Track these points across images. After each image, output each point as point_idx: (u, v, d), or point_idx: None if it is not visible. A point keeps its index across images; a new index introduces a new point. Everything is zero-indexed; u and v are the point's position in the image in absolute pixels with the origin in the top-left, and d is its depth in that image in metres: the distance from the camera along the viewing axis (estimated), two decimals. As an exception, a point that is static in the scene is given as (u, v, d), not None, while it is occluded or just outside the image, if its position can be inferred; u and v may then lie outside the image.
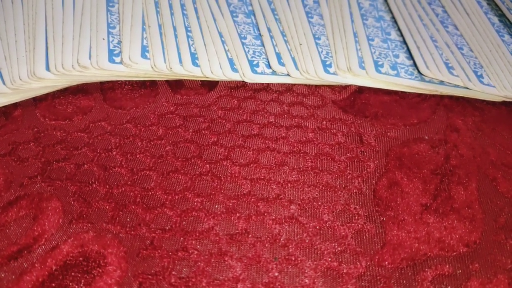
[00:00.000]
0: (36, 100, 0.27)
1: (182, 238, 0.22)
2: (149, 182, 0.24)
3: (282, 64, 0.29)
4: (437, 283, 0.21)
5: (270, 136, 0.27)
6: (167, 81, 0.29)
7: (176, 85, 0.29)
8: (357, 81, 0.29)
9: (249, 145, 0.26)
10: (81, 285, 0.20)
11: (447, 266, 0.22)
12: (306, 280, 0.21)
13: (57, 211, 0.23)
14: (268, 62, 0.29)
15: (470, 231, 0.23)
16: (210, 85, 0.29)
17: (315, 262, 0.22)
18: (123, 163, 0.25)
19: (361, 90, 0.29)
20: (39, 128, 0.26)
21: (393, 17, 0.33)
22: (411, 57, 0.30)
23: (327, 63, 0.29)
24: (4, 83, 0.26)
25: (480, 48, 0.31)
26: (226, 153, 0.26)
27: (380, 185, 0.25)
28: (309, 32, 0.31)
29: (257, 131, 0.27)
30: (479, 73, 0.29)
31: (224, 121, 0.27)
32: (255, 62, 0.29)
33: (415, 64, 0.29)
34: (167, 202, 0.23)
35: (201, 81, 0.29)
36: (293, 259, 0.22)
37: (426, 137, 0.27)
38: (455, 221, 0.23)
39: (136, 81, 0.29)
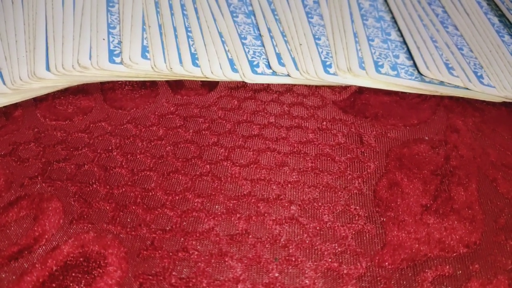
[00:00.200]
0: (37, 101, 0.27)
1: (182, 239, 0.22)
2: (149, 182, 0.24)
3: (282, 65, 0.29)
4: (437, 284, 0.21)
5: (270, 137, 0.27)
6: (167, 81, 0.29)
7: (176, 85, 0.29)
8: (357, 82, 0.29)
9: (250, 145, 0.26)
10: (82, 285, 0.20)
11: (447, 266, 0.22)
12: (307, 281, 0.21)
13: (57, 212, 0.23)
14: (268, 62, 0.29)
15: (470, 232, 0.23)
16: (210, 85, 0.29)
17: (315, 263, 0.22)
18: (123, 164, 0.25)
19: (361, 90, 0.29)
20: (39, 128, 0.26)
21: (393, 18, 0.33)
22: (411, 57, 0.30)
23: (327, 63, 0.29)
24: (4, 83, 0.26)
25: (480, 49, 0.31)
26: (226, 154, 0.26)
27: (380, 185, 0.25)
28: (309, 32, 0.31)
29: (257, 132, 0.27)
30: (479, 74, 0.29)
31: (224, 121, 0.27)
32: (255, 63, 0.29)
33: (415, 65, 0.29)
34: (167, 203, 0.23)
35: (201, 81, 0.29)
36: (294, 259, 0.22)
37: (426, 138, 0.27)
38: (455, 222, 0.23)
39: (136, 81, 0.29)
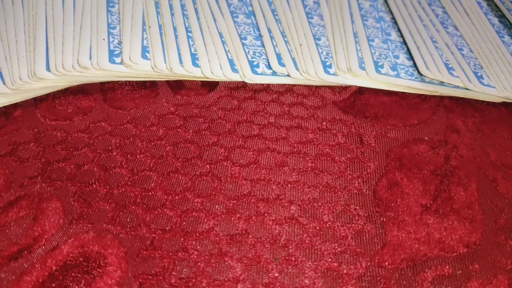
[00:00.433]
0: (37, 101, 0.27)
1: (182, 239, 0.22)
2: (149, 182, 0.24)
3: (282, 65, 0.29)
4: (437, 284, 0.21)
5: (270, 137, 0.27)
6: (167, 81, 0.29)
7: (176, 85, 0.29)
8: (357, 82, 0.29)
9: (249, 145, 0.26)
10: (81, 285, 0.20)
11: (447, 266, 0.22)
12: (306, 281, 0.21)
13: (57, 212, 0.23)
14: (268, 62, 0.29)
15: (470, 232, 0.23)
16: (210, 85, 0.29)
17: (315, 263, 0.22)
18: (123, 164, 0.25)
19: (361, 90, 0.29)
20: (39, 128, 0.26)
21: (393, 18, 0.33)
22: (411, 57, 0.30)
23: (327, 63, 0.29)
24: (4, 83, 0.26)
25: (480, 49, 0.31)
26: (226, 154, 0.26)
27: (380, 185, 0.25)
28: (309, 32, 0.31)
29: (257, 132, 0.27)
30: (479, 74, 0.29)
31: (224, 121, 0.27)
32: (255, 63, 0.29)
33: (415, 65, 0.29)
34: (167, 203, 0.23)
35: (201, 81, 0.29)
36: (293, 259, 0.22)
37: (426, 138, 0.27)
38: (455, 222, 0.23)
39: (136, 81, 0.29)
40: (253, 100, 0.28)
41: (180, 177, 0.24)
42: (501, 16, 0.34)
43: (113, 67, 0.27)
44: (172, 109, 0.28)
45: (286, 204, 0.24)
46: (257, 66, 0.29)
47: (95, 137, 0.26)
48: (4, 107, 0.27)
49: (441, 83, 0.29)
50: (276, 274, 0.21)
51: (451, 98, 0.29)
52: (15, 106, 0.27)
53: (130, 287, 0.21)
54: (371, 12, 0.33)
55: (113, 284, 0.21)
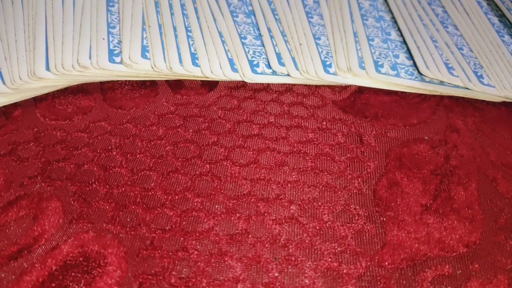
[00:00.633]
0: (36, 100, 0.27)
1: (182, 238, 0.22)
2: (149, 182, 0.24)
3: (282, 64, 0.29)
4: (437, 284, 0.21)
5: (270, 136, 0.27)
6: (167, 81, 0.29)
7: (176, 85, 0.29)
8: (357, 81, 0.29)
9: (249, 145, 0.26)
10: (81, 285, 0.20)
11: (447, 266, 0.22)
12: (306, 281, 0.21)
13: (57, 211, 0.23)
14: (268, 62, 0.29)
15: (470, 232, 0.23)
16: (210, 85, 0.29)
17: (315, 263, 0.22)
18: (123, 163, 0.25)
19: (361, 90, 0.29)
20: (39, 128, 0.26)
21: (393, 17, 0.33)
22: (411, 57, 0.30)
23: (327, 63, 0.29)
24: (4, 83, 0.26)
25: (480, 49, 0.31)
26: (226, 153, 0.26)
27: (380, 185, 0.25)
28: (309, 32, 0.31)
29: (257, 131, 0.27)
30: (479, 74, 0.29)
31: (224, 121, 0.27)
32: (255, 62, 0.29)
33: (415, 64, 0.29)
34: (167, 202, 0.23)
35: (201, 81, 0.29)
36: (293, 259, 0.22)
37: (426, 138, 0.27)
38: (455, 222, 0.23)
39: (136, 81, 0.29)
40: (253, 100, 0.28)
41: (180, 177, 0.24)
42: (501, 16, 0.34)
43: (112, 67, 0.27)
44: (172, 108, 0.28)
45: (286, 204, 0.24)
46: (257, 65, 0.29)
47: (95, 137, 0.26)
48: (4, 106, 0.27)
49: (441, 83, 0.29)
50: (276, 274, 0.21)
51: (451, 97, 0.29)
52: (14, 105, 0.27)
53: (130, 287, 0.21)
54: (371, 11, 0.33)
55: (113, 284, 0.21)
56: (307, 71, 0.28)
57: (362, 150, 0.26)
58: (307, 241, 0.22)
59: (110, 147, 0.25)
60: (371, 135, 0.27)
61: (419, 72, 0.29)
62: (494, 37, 0.32)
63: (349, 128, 0.27)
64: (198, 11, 0.31)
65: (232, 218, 0.23)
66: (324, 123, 0.27)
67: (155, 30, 0.29)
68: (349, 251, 0.22)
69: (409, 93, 0.29)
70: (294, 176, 0.25)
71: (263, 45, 0.30)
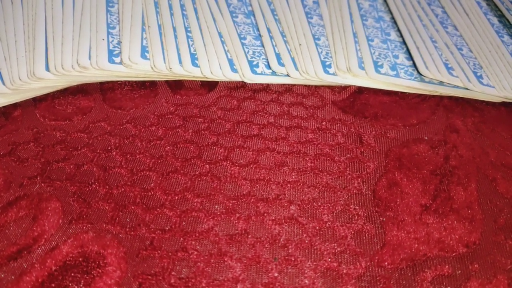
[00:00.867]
0: (36, 101, 0.27)
1: (181, 239, 0.22)
2: (148, 182, 0.24)
3: (282, 65, 0.29)
4: (437, 284, 0.21)
5: (269, 137, 0.27)
6: (166, 81, 0.29)
7: (176, 85, 0.29)
8: (357, 82, 0.29)
9: (249, 145, 0.26)
10: (81, 285, 0.20)
11: (447, 266, 0.22)
12: (306, 281, 0.21)
13: (56, 212, 0.23)
14: (268, 62, 0.29)
15: (470, 232, 0.23)
16: (209, 85, 0.29)
17: (314, 263, 0.22)
18: (122, 164, 0.25)
19: (360, 90, 0.29)
20: (38, 128, 0.26)
21: (392, 18, 0.33)
22: (410, 57, 0.30)
23: (327, 63, 0.29)
24: (3, 83, 0.26)
25: (479, 49, 0.31)
26: (225, 154, 0.26)
27: (379, 185, 0.25)
28: (308, 32, 0.31)
29: (256, 132, 0.27)
30: (478, 74, 0.29)
31: (223, 121, 0.27)
32: (254, 63, 0.29)
33: (414, 65, 0.29)
34: (166, 203, 0.23)
35: (200, 81, 0.29)
36: (293, 259, 0.22)
37: (426, 138, 0.27)
38: (455, 222, 0.23)
39: (135, 81, 0.29)
40: (252, 100, 0.28)
41: (180, 177, 0.24)
42: (501, 16, 0.34)
43: (112, 67, 0.27)
44: (171, 109, 0.28)
45: (285, 204, 0.24)
46: (257, 66, 0.29)
47: (95, 137, 0.26)
48: (4, 107, 0.27)
49: (441, 83, 0.29)
50: (276, 274, 0.21)
51: (450, 98, 0.29)
52: (14, 106, 0.27)
53: (129, 287, 0.21)
54: (371, 12, 0.33)
55: (113, 284, 0.21)
56: (306, 71, 0.28)
57: (362, 150, 0.26)
58: (306, 241, 0.22)
59: (109, 148, 0.25)
60: (371, 135, 0.27)
61: (418, 72, 0.29)
62: (493, 37, 0.32)
63: (348, 128, 0.27)
64: (197, 11, 0.31)
65: (232, 218, 0.23)
66: (324, 123, 0.27)
67: (154, 30, 0.29)
68: (348, 251, 0.22)
69: (409, 93, 0.29)
70: (293, 176, 0.25)
71: (262, 46, 0.30)
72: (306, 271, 0.21)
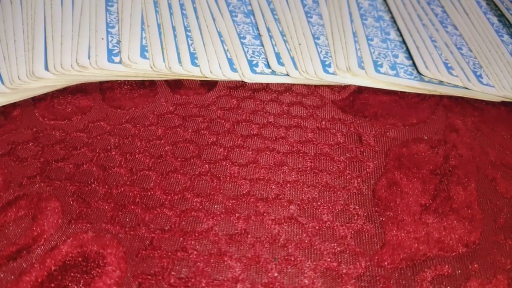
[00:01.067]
0: (35, 100, 0.27)
1: (181, 238, 0.22)
2: (148, 182, 0.24)
3: (282, 64, 0.29)
4: (437, 284, 0.21)
5: (269, 136, 0.27)
6: (166, 81, 0.29)
7: (175, 85, 0.29)
8: (356, 81, 0.29)
9: (249, 145, 0.26)
10: (80, 285, 0.20)
11: (447, 266, 0.22)
12: (306, 281, 0.21)
13: (56, 211, 0.23)
14: (267, 62, 0.29)
15: (470, 232, 0.23)
16: (209, 85, 0.29)
17: (314, 263, 0.22)
18: (122, 163, 0.25)
19: (360, 90, 0.29)
20: (38, 128, 0.26)
21: (392, 17, 0.33)
22: (410, 57, 0.30)
23: (326, 63, 0.29)
24: (3, 82, 0.26)
25: (479, 48, 0.31)
26: (225, 153, 0.26)
27: (379, 185, 0.25)
28: (308, 32, 0.31)
29: (256, 131, 0.27)
30: (478, 73, 0.29)
31: (223, 121, 0.27)
32: (254, 62, 0.29)
33: (414, 64, 0.29)
34: (166, 202, 0.23)
35: (200, 81, 0.29)
36: (293, 259, 0.22)
37: (426, 137, 0.27)
38: (455, 222, 0.23)
39: (135, 81, 0.29)
40: (252, 100, 0.28)
41: (179, 177, 0.24)
42: (500, 16, 0.34)
43: (112, 67, 0.27)
44: (171, 108, 0.28)
45: (285, 204, 0.24)
46: (256, 65, 0.29)
47: (94, 137, 0.26)
48: (3, 106, 0.27)
49: (440, 83, 0.29)
50: (276, 274, 0.21)
51: (450, 97, 0.29)
52: (13, 105, 0.27)
53: (129, 287, 0.21)
54: (370, 11, 0.33)
55: (112, 284, 0.21)
56: (306, 71, 0.28)
57: (362, 150, 0.26)
58: (306, 241, 0.22)
59: (109, 147, 0.25)
60: (371, 135, 0.27)
61: (418, 72, 0.29)
62: (493, 36, 0.32)
63: (348, 128, 0.27)
64: (197, 10, 0.31)
65: (232, 218, 0.23)
66: (324, 123, 0.27)
67: (154, 30, 0.29)
68: (348, 251, 0.22)
69: (409, 93, 0.29)
70: (293, 176, 0.25)
71: (262, 45, 0.30)
72: (305, 271, 0.21)
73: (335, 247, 0.22)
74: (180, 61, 0.28)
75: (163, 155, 0.25)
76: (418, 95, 0.29)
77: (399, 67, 0.29)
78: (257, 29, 0.31)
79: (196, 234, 0.22)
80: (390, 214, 0.24)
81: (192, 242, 0.22)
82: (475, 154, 0.26)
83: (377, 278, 0.21)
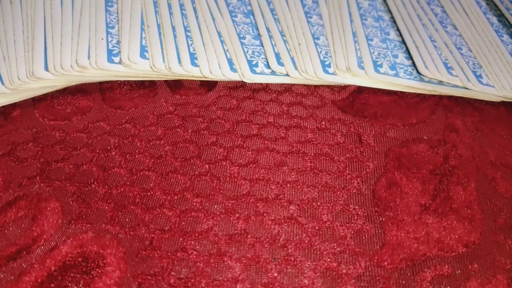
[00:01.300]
0: (35, 100, 0.27)
1: (181, 239, 0.22)
2: (148, 182, 0.24)
3: (281, 64, 0.29)
4: (436, 284, 0.21)
5: (269, 136, 0.27)
6: (166, 81, 0.29)
7: (175, 85, 0.29)
8: (356, 81, 0.29)
9: (248, 145, 0.26)
10: (80, 285, 0.20)
11: (446, 266, 0.22)
12: (305, 281, 0.21)
13: (56, 212, 0.23)
14: (267, 62, 0.29)
15: (469, 232, 0.23)
16: (209, 85, 0.29)
17: (314, 263, 0.22)
18: (122, 164, 0.25)
19: (360, 90, 0.29)
20: (38, 128, 0.26)
21: (392, 17, 0.33)
22: (410, 57, 0.30)
23: (326, 63, 0.29)
24: (2, 83, 0.26)
25: (479, 48, 0.31)
26: (225, 153, 0.26)
27: (379, 185, 0.25)
28: (308, 32, 0.31)
29: (256, 131, 0.27)
30: (478, 73, 0.29)
31: (223, 121, 0.27)
32: (254, 62, 0.29)
33: (414, 64, 0.29)
34: (166, 203, 0.23)
35: (200, 81, 0.29)
36: (292, 259, 0.22)
37: (425, 137, 0.27)
38: (454, 222, 0.23)
39: (135, 81, 0.29)
40: (252, 100, 0.28)
41: (179, 177, 0.24)
42: (500, 15, 0.34)
43: (111, 67, 0.27)
44: (171, 108, 0.28)
45: (285, 204, 0.24)
46: (256, 65, 0.29)
47: (94, 137, 0.26)
48: (3, 107, 0.27)
49: (440, 83, 0.29)
50: (275, 274, 0.21)
51: (450, 97, 0.29)
52: (13, 106, 0.27)
53: (129, 287, 0.21)
54: (370, 11, 0.33)
55: (112, 285, 0.21)
56: (306, 71, 0.28)
57: (361, 150, 0.26)
58: (306, 241, 0.22)
59: (109, 147, 0.25)
60: (370, 135, 0.27)
61: (418, 72, 0.29)
62: (493, 36, 0.32)
63: (348, 128, 0.27)
64: (197, 11, 0.31)
65: (231, 218, 0.23)
66: (323, 123, 0.27)
67: (154, 30, 0.29)
68: (348, 251, 0.22)
69: (408, 93, 0.29)
70: (293, 176, 0.25)
71: (262, 45, 0.30)
72: (305, 271, 0.21)
73: (335, 247, 0.22)
74: (180, 61, 0.28)
75: (163, 155, 0.25)
76: (418, 95, 0.29)
77: (398, 67, 0.29)
78: (257, 29, 0.31)
79: (196, 234, 0.22)
80: (390, 214, 0.24)
81: (192, 242, 0.22)
82: (475, 154, 0.26)
83: (377, 278, 0.21)
